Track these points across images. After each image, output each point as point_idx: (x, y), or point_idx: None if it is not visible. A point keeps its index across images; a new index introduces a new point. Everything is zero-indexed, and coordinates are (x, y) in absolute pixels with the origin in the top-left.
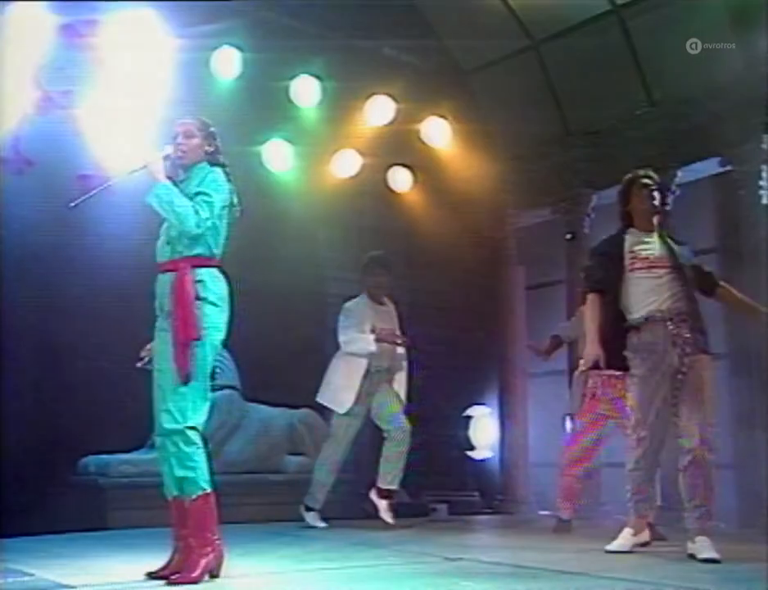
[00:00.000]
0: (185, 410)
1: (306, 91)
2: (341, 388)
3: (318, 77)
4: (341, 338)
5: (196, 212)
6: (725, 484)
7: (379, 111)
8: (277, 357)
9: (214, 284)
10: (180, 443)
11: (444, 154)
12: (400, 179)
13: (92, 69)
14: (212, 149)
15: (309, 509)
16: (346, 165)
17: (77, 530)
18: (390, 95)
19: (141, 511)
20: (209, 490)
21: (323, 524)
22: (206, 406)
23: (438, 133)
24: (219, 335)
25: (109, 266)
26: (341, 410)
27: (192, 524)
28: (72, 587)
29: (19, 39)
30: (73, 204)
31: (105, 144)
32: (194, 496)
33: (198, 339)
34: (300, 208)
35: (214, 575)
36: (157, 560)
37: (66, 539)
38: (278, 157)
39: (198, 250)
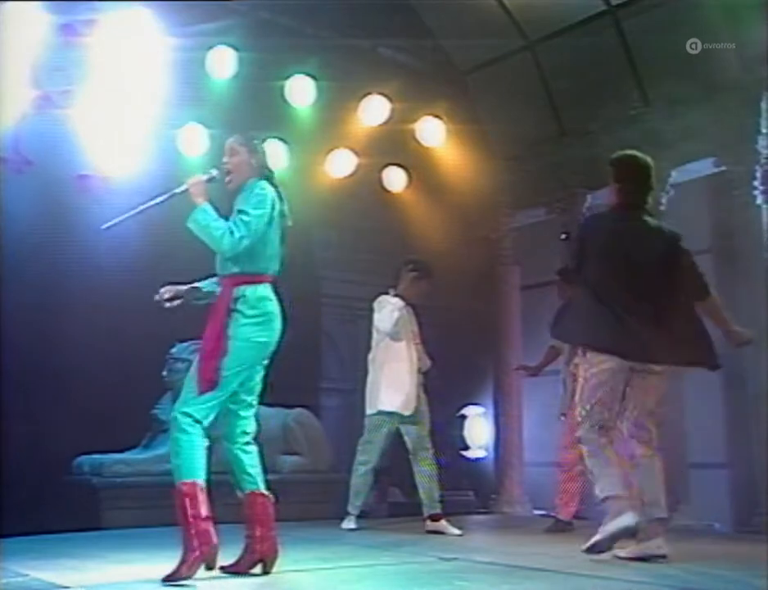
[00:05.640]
0: (189, 402)
1: (301, 90)
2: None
3: (313, 76)
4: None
5: (231, 233)
6: (719, 485)
7: (374, 110)
8: (271, 357)
9: (256, 300)
10: (173, 429)
11: (439, 154)
12: (395, 179)
13: (89, 68)
14: (257, 161)
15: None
16: (341, 164)
17: (71, 530)
18: (385, 95)
19: (135, 511)
20: (190, 481)
21: (352, 525)
22: (214, 411)
23: (433, 132)
24: (254, 351)
25: (108, 267)
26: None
27: (180, 518)
28: (66, 587)
29: (17, 39)
30: (105, 226)
31: (102, 143)
32: (176, 485)
33: (221, 351)
34: (295, 208)
35: (209, 567)
36: (151, 560)
37: (60, 539)
38: (273, 157)
39: (246, 267)
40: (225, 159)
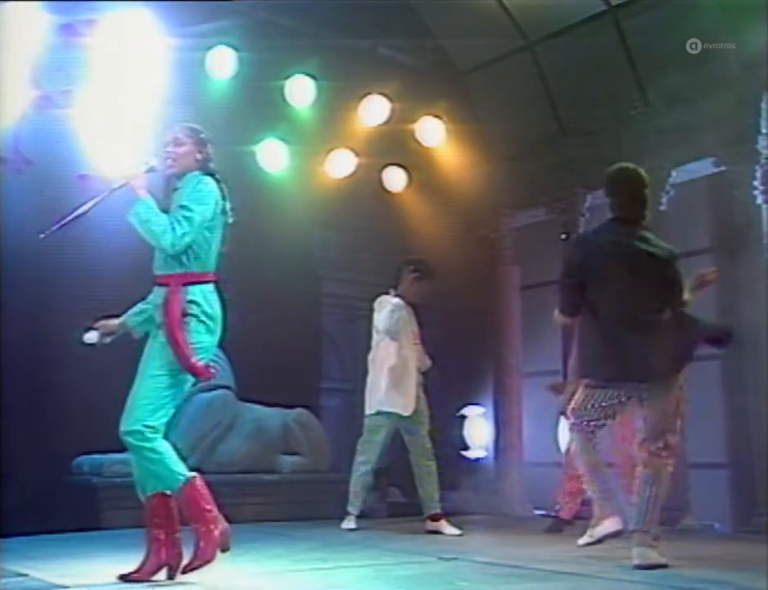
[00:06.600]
0: (148, 410)
1: (301, 90)
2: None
3: (312, 76)
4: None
5: (173, 230)
6: (719, 485)
7: (374, 110)
8: (271, 357)
9: (206, 303)
10: (138, 442)
11: (439, 154)
12: (395, 179)
13: (89, 68)
14: (203, 156)
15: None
16: (341, 164)
17: (71, 530)
18: (384, 95)
19: (134, 511)
20: (188, 476)
21: (352, 525)
22: (169, 413)
23: (433, 132)
24: (205, 354)
25: (107, 266)
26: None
27: (188, 513)
28: (66, 587)
29: (17, 39)
30: (43, 235)
31: (101, 143)
32: (177, 488)
33: (189, 358)
34: (295, 208)
35: (224, 550)
36: None
37: (60, 539)
38: (273, 157)
39: (191, 265)
40: (169, 148)
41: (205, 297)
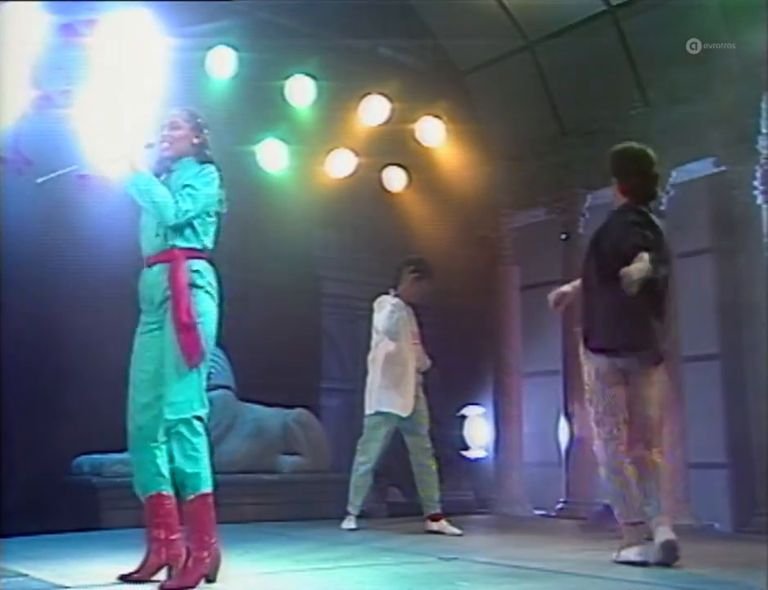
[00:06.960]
0: (192, 399)
1: (301, 90)
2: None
3: (312, 76)
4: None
5: (176, 203)
6: (719, 485)
7: (374, 110)
8: (271, 357)
9: (208, 274)
10: (186, 433)
11: (439, 154)
12: (395, 179)
13: (89, 68)
14: (199, 141)
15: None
16: (341, 164)
17: (71, 530)
18: (384, 95)
19: (135, 511)
20: (209, 490)
21: (352, 525)
22: (207, 396)
23: (433, 132)
24: (213, 325)
25: (107, 266)
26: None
27: (189, 526)
28: (66, 587)
29: (17, 39)
30: (40, 180)
31: (101, 143)
32: (193, 495)
33: (195, 324)
34: (295, 208)
35: (210, 580)
36: None
37: (60, 539)
38: (273, 157)
39: (191, 243)
40: (165, 131)
41: (205, 269)
